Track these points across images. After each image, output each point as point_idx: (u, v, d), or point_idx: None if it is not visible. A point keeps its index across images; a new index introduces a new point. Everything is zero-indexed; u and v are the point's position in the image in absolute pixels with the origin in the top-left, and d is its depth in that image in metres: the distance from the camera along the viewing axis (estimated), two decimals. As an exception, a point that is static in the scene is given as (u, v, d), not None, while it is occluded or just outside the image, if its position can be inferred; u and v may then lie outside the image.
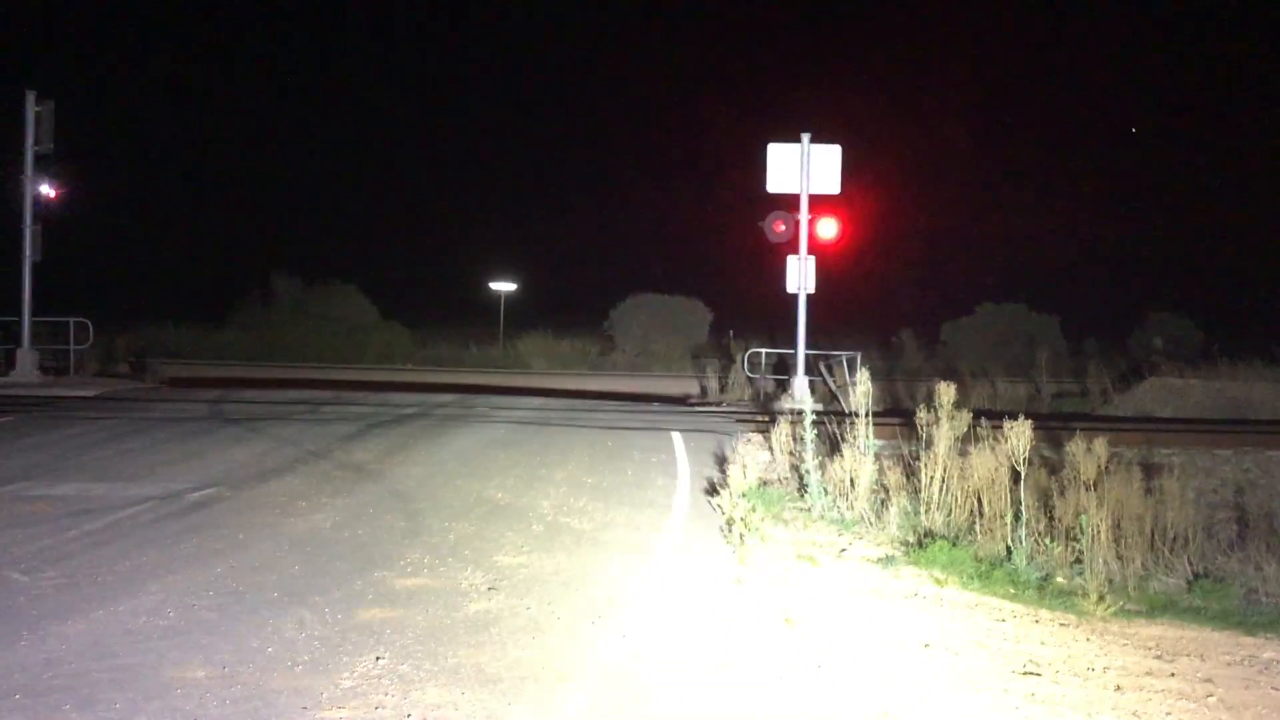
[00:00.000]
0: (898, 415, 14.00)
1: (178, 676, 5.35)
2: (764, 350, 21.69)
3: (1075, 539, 8.28)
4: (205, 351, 28.17)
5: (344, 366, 25.97)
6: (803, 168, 18.78)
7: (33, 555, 7.63)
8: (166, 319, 29.99)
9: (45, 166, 20.38)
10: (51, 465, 11.38)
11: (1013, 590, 7.66)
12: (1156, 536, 8.88)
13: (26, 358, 19.99)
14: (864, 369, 11.69)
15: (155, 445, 12.87)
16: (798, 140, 18.85)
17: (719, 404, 20.62)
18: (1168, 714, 5.50)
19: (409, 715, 4.97)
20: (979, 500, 8.94)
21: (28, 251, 20.14)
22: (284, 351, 28.51)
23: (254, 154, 45.15)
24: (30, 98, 20.20)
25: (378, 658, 5.70)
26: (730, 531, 8.86)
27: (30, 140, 20.11)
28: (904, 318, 31.21)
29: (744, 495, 9.93)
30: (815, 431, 10.50)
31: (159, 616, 6.30)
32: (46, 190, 20.30)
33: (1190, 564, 8.79)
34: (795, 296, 19.03)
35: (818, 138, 18.86)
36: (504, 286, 33.79)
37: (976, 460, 9.02)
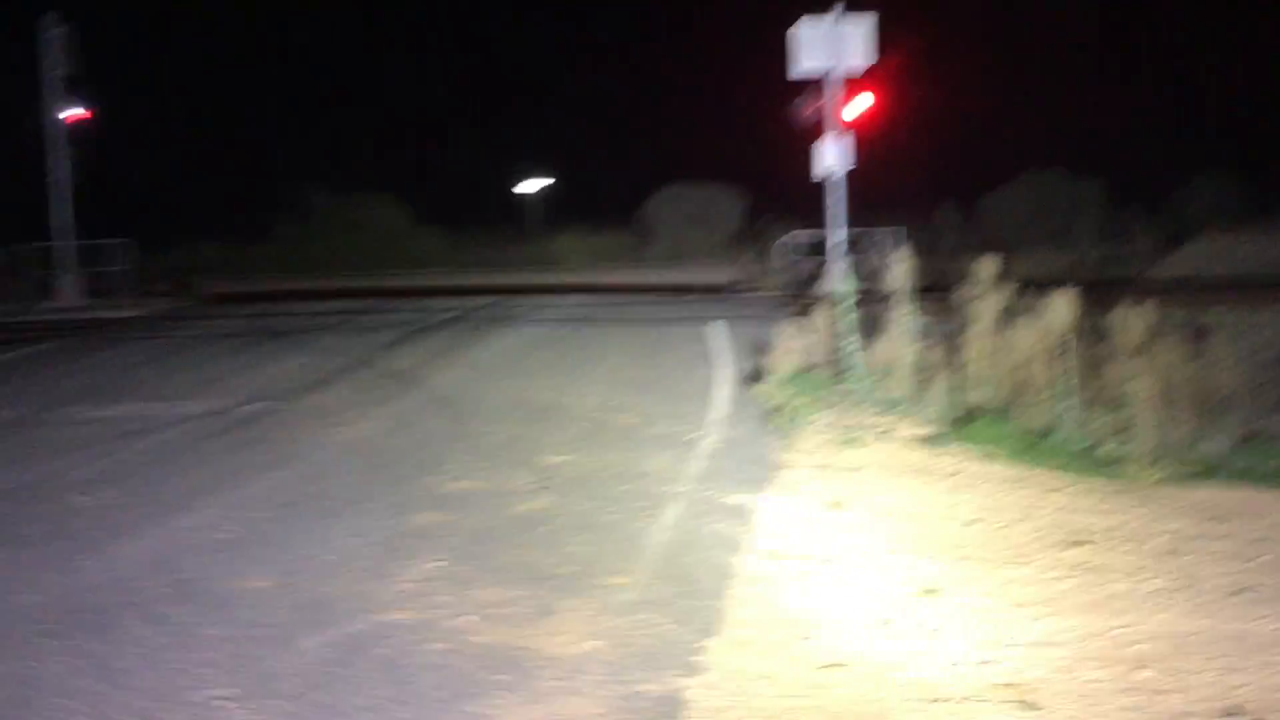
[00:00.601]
0: (939, 292, 13.86)
1: (240, 587, 5.47)
2: (801, 233, 21.49)
3: (1123, 407, 8.22)
4: (245, 267, 28.35)
5: (381, 275, 26.04)
6: (833, 42, 18.34)
7: (91, 477, 7.79)
8: (205, 236, 30.14)
9: (74, 89, 20.38)
10: (102, 387, 11.57)
11: (1060, 461, 7.63)
12: (1206, 400, 8.78)
13: (70, 281, 20.22)
14: (903, 246, 11.55)
15: (201, 362, 13.04)
16: (828, 12, 18.38)
17: (757, 290, 20.55)
18: (1221, 575, 5.49)
19: (466, 613, 5.06)
20: (1024, 373, 8.87)
21: (66, 176, 20.26)
22: (322, 263, 28.64)
23: (284, 65, 44.79)
24: (51, 19, 20.10)
25: (432, 560, 5.79)
26: (774, 418, 8.88)
27: (55, 63, 20.07)
28: (943, 192, 30.71)
29: (786, 382, 9.95)
30: (855, 313, 10.43)
31: (217, 530, 6.43)
32: (78, 113, 20.32)
33: (1240, 425, 8.70)
34: (831, 177, 18.78)
35: (851, 6, 18.36)
36: (533, 186, 33.58)
37: (1020, 333, 8.93)
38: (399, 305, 18.86)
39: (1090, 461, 7.61)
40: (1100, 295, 11.52)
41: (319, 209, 33.59)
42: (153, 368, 12.77)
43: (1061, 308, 8.28)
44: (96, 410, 10.25)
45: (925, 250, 21.52)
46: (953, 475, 7.37)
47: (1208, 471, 7.61)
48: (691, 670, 4.39)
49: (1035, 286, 9.79)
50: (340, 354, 13.21)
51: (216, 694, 4.29)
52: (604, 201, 32.99)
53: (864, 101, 18.65)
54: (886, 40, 18.75)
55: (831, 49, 18.35)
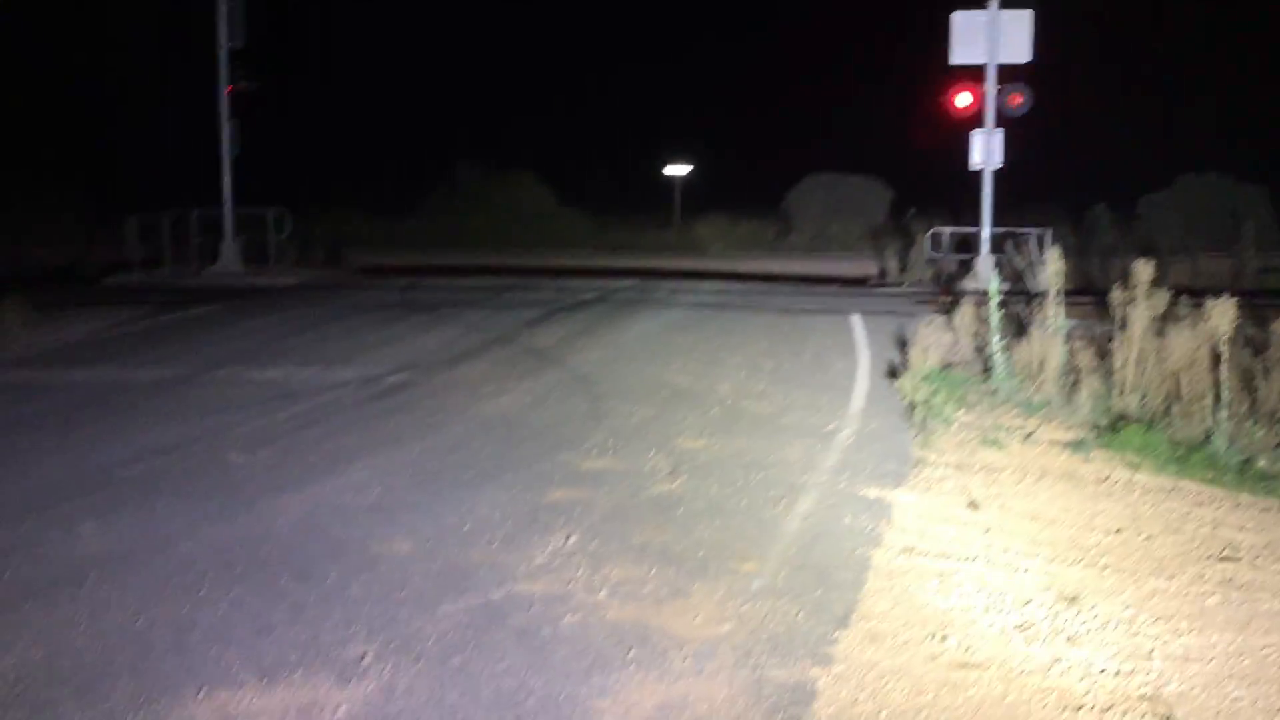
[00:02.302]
0: (1090, 295, 13.50)
1: (384, 550, 5.68)
2: (947, 229, 21.09)
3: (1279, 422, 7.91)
4: (394, 240, 29.09)
5: (525, 253, 26.47)
6: (990, 35, 17.97)
7: (247, 436, 8.15)
8: (357, 209, 31.00)
9: (240, 62, 21.19)
10: (259, 351, 12.06)
11: (1211, 475, 7.38)
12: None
13: (230, 249, 21.07)
14: (1054, 246, 11.28)
15: (352, 331, 13.47)
16: (984, 6, 18.03)
17: (899, 285, 20.27)
18: (1379, 604, 5.27)
19: (599, 589, 5.17)
20: (1177, 382, 8.60)
21: (227, 145, 21.12)
22: (467, 238, 29.21)
23: (438, 43, 45.75)
24: (223, -7, 20.92)
25: (568, 536, 5.91)
26: (912, 415, 8.79)
27: (224, 36, 20.88)
28: (1098, 192, 29.76)
29: (926, 378, 9.83)
30: (1001, 312, 10.24)
31: (364, 494, 6.68)
32: (243, 85, 21.13)
33: None
34: (981, 172, 18.41)
35: (1008, 2, 17.98)
36: (680, 170, 33.65)
37: (1175, 340, 8.65)
38: (542, 284, 19.16)
39: (1243, 476, 7.34)
40: (1260, 306, 11.10)
41: (467, 185, 34.26)
42: (307, 334, 13.25)
43: (1220, 315, 7.98)
44: (254, 372, 10.69)
45: (1076, 252, 21.03)
46: (1097, 482, 7.20)
47: (1371, 493, 7.27)
48: (822, 660, 4.41)
49: (1191, 294, 9.47)
50: (484, 329, 13.51)
51: (360, 650, 4.48)
52: (746, 189, 32.87)
53: (1019, 96, 18.22)
54: (1049, 35, 18.28)
55: (989, 41, 18.00)
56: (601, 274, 21.34)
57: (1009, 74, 18.36)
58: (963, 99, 18.24)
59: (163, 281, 19.80)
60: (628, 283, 19.58)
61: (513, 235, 30.00)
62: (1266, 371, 8.55)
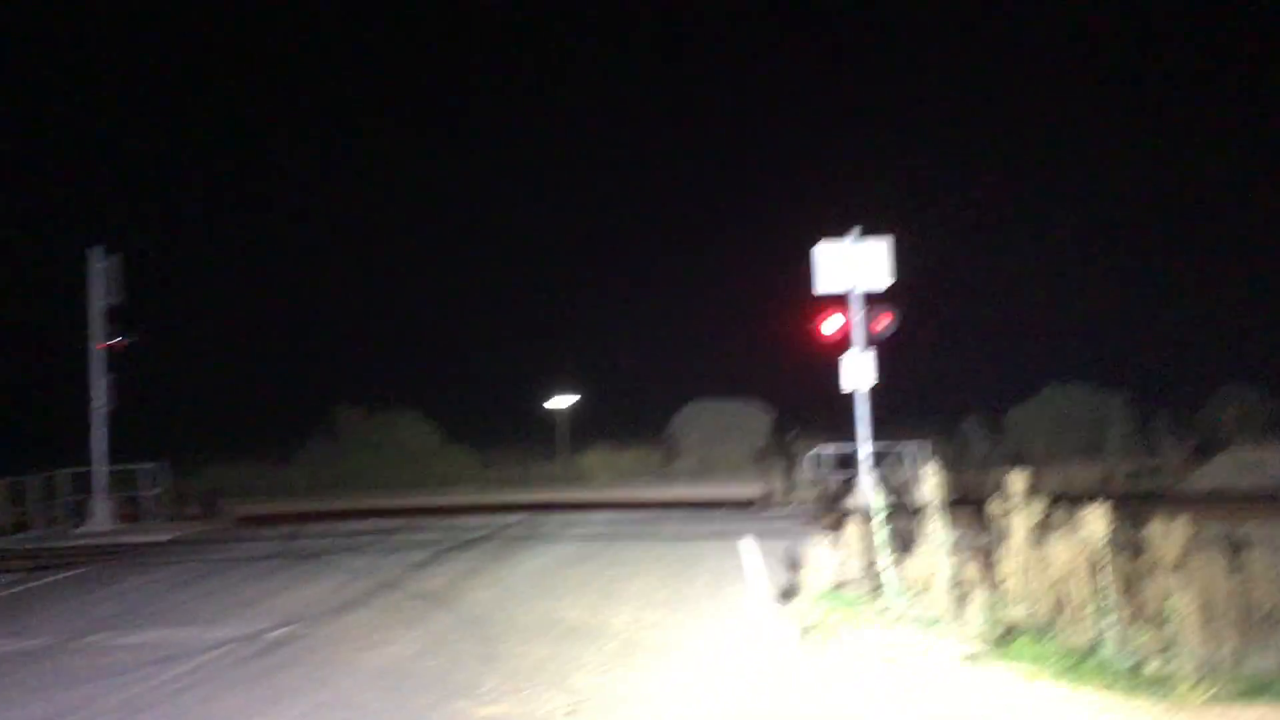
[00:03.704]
0: (969, 505, 13.80)
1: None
2: (828, 448, 21.55)
3: (1165, 623, 8.07)
4: (274, 488, 28.50)
5: (410, 493, 26.12)
6: (853, 264, 18.87)
7: (120, 706, 7.70)
8: (235, 458, 30.42)
9: (114, 318, 21.06)
10: (132, 613, 11.53)
11: (1105, 681, 7.45)
12: (1248, 615, 8.61)
13: (102, 506, 20.39)
14: (932, 460, 11.57)
15: (231, 586, 13.00)
16: (847, 235, 18.98)
17: (786, 505, 20.47)
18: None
19: None
20: (1061, 589, 8.75)
21: (101, 401, 20.72)
22: (351, 482, 28.79)
23: (313, 289, 46.25)
24: (98, 252, 20.97)
25: (465, 791, 5.66)
26: (809, 637, 8.75)
27: (99, 293, 20.82)
28: (967, 405, 30.88)
29: (820, 599, 9.83)
30: (887, 528, 10.38)
31: (246, 761, 6.32)
32: (117, 341, 20.93)
33: (1287, 642, 8.50)
34: (855, 392, 18.98)
35: (871, 228, 18.96)
36: (563, 402, 33.96)
37: (1056, 548, 8.85)
38: (429, 524, 18.86)
39: (1136, 680, 7.42)
40: (1133, 509, 11.46)
41: (348, 428, 33.95)
42: (183, 592, 12.75)
43: (1096, 522, 8.23)
44: (128, 636, 10.19)
45: (953, 463, 21.60)
46: (997, 697, 7.20)
47: (1257, 690, 7.40)
48: None
49: (1067, 500, 9.75)
50: (370, 575, 13.17)
51: None
52: (630, 418, 33.31)
53: (885, 318, 19.01)
54: (908, 258, 19.26)
55: (851, 268, 18.87)
56: (489, 510, 21.13)
57: (879, 294, 19.15)
58: (831, 325, 18.95)
59: (31, 545, 18.94)
60: (516, 518, 19.41)
61: (398, 476, 29.65)
62: (1146, 574, 8.76)
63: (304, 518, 21.21)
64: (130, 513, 20.79)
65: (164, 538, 19.03)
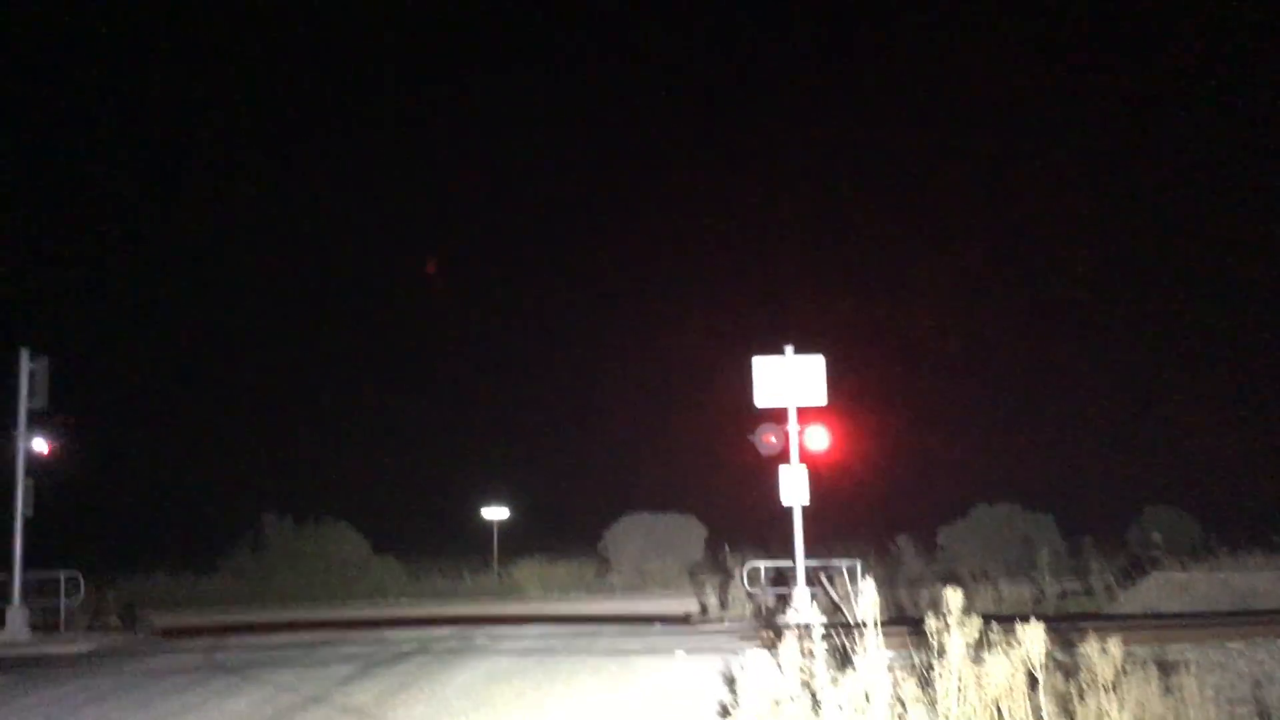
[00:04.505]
0: (904, 623, 13.83)
1: None
2: (762, 564, 21.53)
3: (1100, 744, 8.10)
4: (197, 599, 27.78)
5: (339, 605, 25.58)
6: (788, 379, 19.13)
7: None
8: (156, 568, 29.66)
9: (38, 422, 20.59)
10: (44, 727, 11.08)
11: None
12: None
13: (17, 615, 19.68)
14: (868, 578, 11.60)
15: (149, 700, 12.56)
16: (782, 351, 19.27)
17: (721, 620, 20.34)
18: None
19: None
20: (999, 708, 8.76)
21: (20, 506, 20.13)
22: (277, 593, 28.15)
23: (239, 396, 45.75)
24: (24, 355, 20.60)
25: None
26: (747, 757, 8.64)
27: (24, 397, 20.39)
28: (899, 523, 31.15)
29: (758, 717, 9.74)
30: (824, 645, 10.35)
31: None
32: (40, 446, 20.44)
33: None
34: (790, 508, 19.06)
35: (805, 346, 19.31)
36: (496, 514, 33.68)
37: (992, 666, 8.88)
38: (357, 637, 18.43)
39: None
40: (1064, 630, 11.57)
41: (274, 538, 33.26)
42: (99, 706, 12.28)
43: (1033, 639, 8.29)
44: (38, 751, 9.79)
45: (885, 582, 21.67)
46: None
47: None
48: None
49: (999, 620, 9.82)
50: (295, 690, 12.80)
51: None
52: (563, 531, 33.13)
53: (819, 437, 19.21)
54: (844, 376, 19.58)
55: (788, 384, 19.12)
56: (420, 623, 20.73)
57: (814, 414, 19.40)
58: (769, 438, 19.11)
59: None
60: (447, 631, 19.05)
61: (326, 587, 29.08)
62: (1080, 694, 8.82)
63: (227, 630, 20.65)
64: (46, 623, 20.09)
65: (83, 649, 18.39)
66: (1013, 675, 8.63)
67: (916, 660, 10.68)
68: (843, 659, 10.74)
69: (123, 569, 27.53)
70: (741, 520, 30.04)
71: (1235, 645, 13.83)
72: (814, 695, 10.39)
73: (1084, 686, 8.84)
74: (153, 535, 33.48)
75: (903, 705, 9.43)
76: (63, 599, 20.27)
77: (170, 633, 20.73)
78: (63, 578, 20.36)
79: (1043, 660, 8.28)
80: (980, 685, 8.95)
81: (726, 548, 27.69)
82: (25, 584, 20.03)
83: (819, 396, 19.15)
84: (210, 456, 40.42)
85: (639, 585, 29.47)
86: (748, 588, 21.25)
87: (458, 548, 33.40)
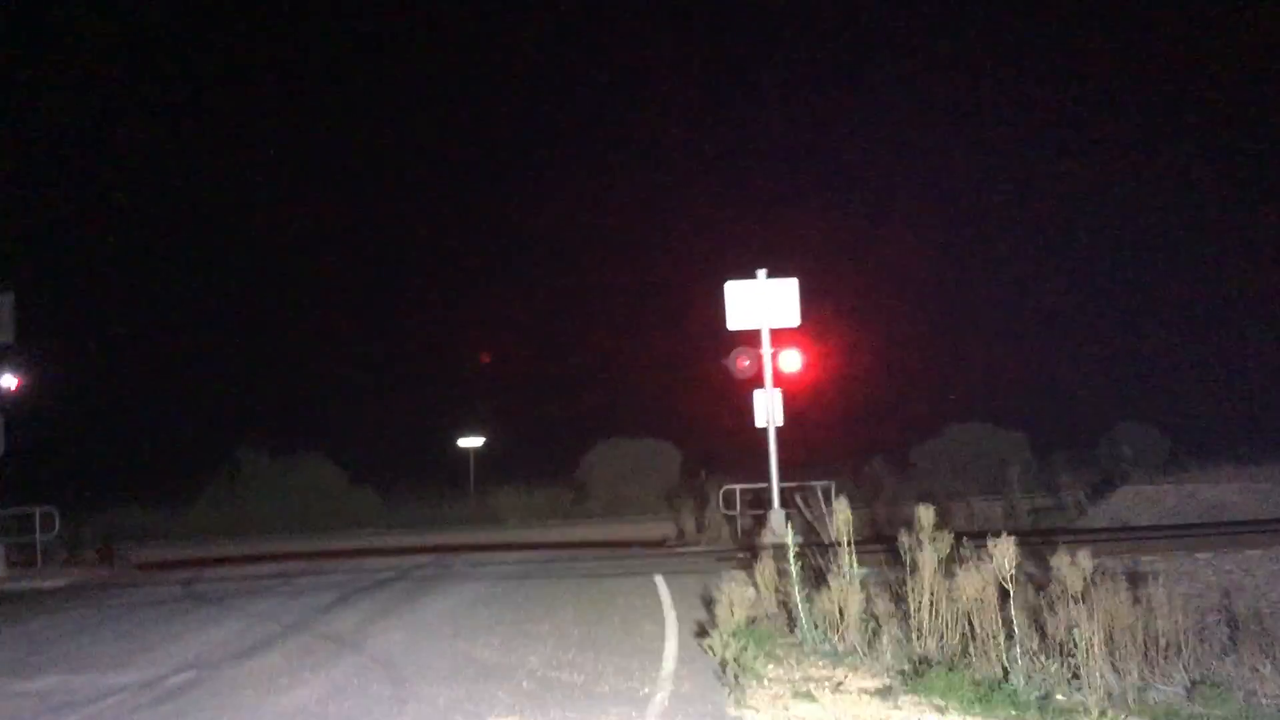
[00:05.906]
0: (879, 542, 13.98)
1: None
2: (738, 486, 21.68)
3: (1070, 654, 8.24)
4: (175, 532, 27.76)
5: (317, 537, 25.64)
6: (761, 303, 19.10)
7: (11, 755, 7.40)
8: (134, 501, 29.58)
9: (5, 358, 20.36)
10: (27, 659, 11.10)
11: (1014, 712, 7.57)
12: (1150, 646, 8.84)
13: (-7, 551, 19.63)
14: (841, 497, 11.69)
15: (130, 631, 12.60)
16: (755, 276, 19.21)
17: (698, 543, 20.52)
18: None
19: None
20: (970, 622, 8.90)
21: (-5, 443, 19.98)
22: (255, 525, 28.17)
23: (215, 327, 45.40)
24: (-9, 287, 20.31)
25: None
26: (724, 673, 8.75)
27: (-5, 331, 20.13)
28: (873, 444, 31.38)
29: (734, 635, 9.84)
30: (799, 564, 10.46)
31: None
32: (8, 382, 20.23)
33: (1186, 671, 8.75)
34: (765, 430, 19.14)
35: (778, 271, 19.24)
36: (472, 442, 33.70)
37: (964, 581, 8.99)
38: (337, 566, 18.51)
39: (1046, 710, 7.56)
40: (1035, 544, 11.72)
41: (251, 470, 33.21)
42: (80, 638, 12.31)
43: (1004, 553, 8.39)
44: (20, 683, 9.81)
45: (861, 502, 21.89)
46: (909, 728, 7.27)
47: (1160, 718, 7.59)
48: None
49: (971, 536, 9.94)
50: (274, 619, 12.87)
51: None
52: (539, 458, 33.15)
53: (792, 360, 19.23)
54: (815, 302, 19.57)
55: (761, 306, 19.10)
56: (399, 552, 20.83)
57: (788, 336, 19.41)
58: (742, 361, 19.13)
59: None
60: (426, 559, 19.15)
61: (304, 519, 29.11)
62: (1051, 606, 8.95)
63: (205, 562, 20.69)
64: (24, 559, 20.06)
65: (60, 583, 18.39)
66: (984, 589, 8.74)
67: (890, 577, 10.82)
68: (818, 578, 10.87)
69: (99, 503, 27.44)
70: (718, 445, 30.15)
71: (1204, 555, 14.07)
72: (790, 613, 10.53)
73: (1054, 598, 8.97)
74: (128, 469, 33.34)
75: (876, 621, 9.57)
76: (38, 534, 20.22)
77: (149, 565, 20.76)
78: (38, 513, 20.29)
79: (1013, 574, 8.38)
80: (951, 599, 9.08)
81: (703, 471, 27.85)
82: (0, 520, 19.96)
83: (792, 318, 19.14)
84: (185, 388, 40.20)
85: (616, 511, 29.64)
86: (724, 511, 21.42)
87: (435, 477, 33.42)
